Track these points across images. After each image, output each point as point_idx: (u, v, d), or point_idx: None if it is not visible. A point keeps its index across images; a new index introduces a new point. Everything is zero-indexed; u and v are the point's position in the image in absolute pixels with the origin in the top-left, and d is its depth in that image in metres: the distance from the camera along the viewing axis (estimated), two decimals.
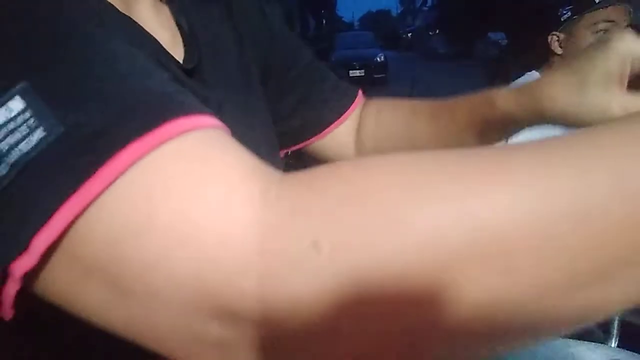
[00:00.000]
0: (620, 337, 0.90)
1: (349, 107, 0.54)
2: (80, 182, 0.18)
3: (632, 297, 0.17)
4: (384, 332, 0.18)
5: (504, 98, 0.41)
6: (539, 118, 0.40)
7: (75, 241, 0.19)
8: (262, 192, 0.20)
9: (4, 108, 0.19)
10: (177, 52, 0.37)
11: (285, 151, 0.55)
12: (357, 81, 9.92)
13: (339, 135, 0.54)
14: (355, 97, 0.55)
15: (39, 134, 0.19)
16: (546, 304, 0.17)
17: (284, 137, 0.52)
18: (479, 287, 0.17)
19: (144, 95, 0.21)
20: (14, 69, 0.20)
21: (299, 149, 0.56)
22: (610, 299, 0.17)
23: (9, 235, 0.18)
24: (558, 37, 1.20)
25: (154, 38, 0.33)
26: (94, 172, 0.18)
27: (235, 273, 0.18)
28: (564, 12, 1.17)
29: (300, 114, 0.52)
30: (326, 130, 0.53)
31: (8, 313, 0.20)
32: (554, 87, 0.38)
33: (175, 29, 0.39)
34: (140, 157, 0.19)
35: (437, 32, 25.67)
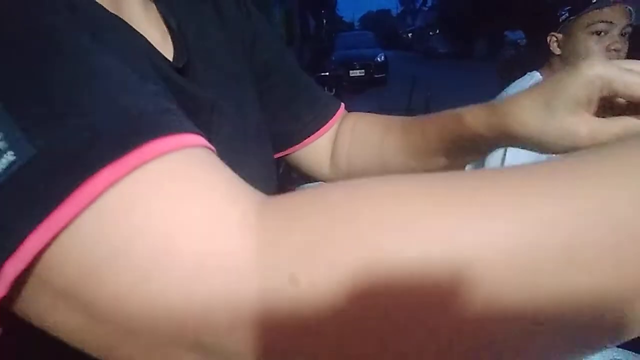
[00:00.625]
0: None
1: (331, 119, 0.54)
2: (52, 208, 0.17)
3: (623, 333, 0.17)
4: None
5: (474, 117, 0.41)
6: (508, 140, 0.39)
7: (48, 268, 0.18)
8: (240, 220, 0.19)
9: None
10: (167, 51, 0.37)
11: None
12: (357, 81, 9.95)
13: (317, 146, 0.54)
14: (337, 109, 0.55)
15: (8, 157, 0.18)
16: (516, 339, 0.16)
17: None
18: (467, 324, 0.16)
19: (122, 115, 0.20)
20: None
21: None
22: (602, 333, 0.17)
23: None
24: (557, 37, 1.20)
25: (144, 37, 0.33)
26: (67, 197, 0.17)
27: (210, 307, 0.17)
28: (562, 12, 1.17)
29: (280, 122, 0.52)
30: (304, 141, 0.53)
31: None
32: (522, 111, 0.38)
33: (164, 27, 0.39)
34: (115, 181, 0.18)
35: (437, 32, 25.67)
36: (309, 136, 0.53)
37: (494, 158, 1.26)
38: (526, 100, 0.38)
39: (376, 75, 10.49)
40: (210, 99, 0.38)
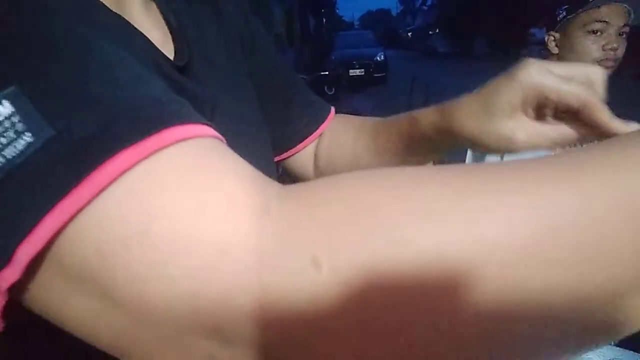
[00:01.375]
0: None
1: (321, 124, 0.54)
2: (68, 189, 0.17)
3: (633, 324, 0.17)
4: (384, 353, 0.17)
5: (425, 118, 0.42)
6: (452, 141, 0.40)
7: (64, 250, 0.18)
8: (260, 205, 0.19)
9: None
10: (168, 50, 0.37)
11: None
12: (357, 80, 9.95)
13: (306, 151, 0.55)
14: (329, 114, 0.56)
15: (26, 138, 0.18)
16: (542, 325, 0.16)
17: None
18: (482, 303, 0.16)
19: (139, 102, 0.20)
20: (4, 71, 0.19)
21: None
22: (615, 322, 0.17)
23: None
24: (554, 37, 1.20)
25: (146, 37, 0.33)
26: (84, 179, 0.17)
27: (231, 291, 0.17)
28: (560, 11, 1.17)
29: (275, 126, 0.52)
30: (299, 145, 0.54)
31: None
32: (463, 113, 0.38)
33: (165, 27, 0.39)
34: (133, 165, 0.18)
35: (437, 31, 25.66)
36: (302, 141, 0.54)
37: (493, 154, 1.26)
38: (468, 103, 0.38)
39: (376, 75, 10.48)
40: (211, 99, 0.39)
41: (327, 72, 7.13)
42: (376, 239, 0.17)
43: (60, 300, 0.19)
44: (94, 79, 0.20)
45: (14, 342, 0.25)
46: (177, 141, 0.19)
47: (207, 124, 0.22)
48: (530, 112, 0.36)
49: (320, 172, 0.54)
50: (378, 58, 10.80)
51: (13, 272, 0.17)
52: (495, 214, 0.17)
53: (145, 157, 0.18)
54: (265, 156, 0.47)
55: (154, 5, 0.39)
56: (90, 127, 0.18)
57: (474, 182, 0.18)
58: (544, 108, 0.36)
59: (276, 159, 0.54)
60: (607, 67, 1.21)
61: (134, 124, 0.19)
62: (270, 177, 0.49)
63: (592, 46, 1.12)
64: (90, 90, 0.19)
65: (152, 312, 0.18)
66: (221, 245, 0.18)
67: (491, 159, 1.28)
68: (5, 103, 0.18)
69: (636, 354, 0.73)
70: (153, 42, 0.34)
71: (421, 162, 0.46)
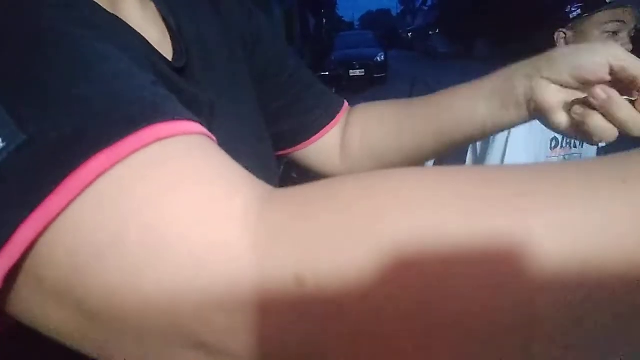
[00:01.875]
0: None
1: (336, 116, 0.54)
2: (41, 198, 0.16)
3: None
4: None
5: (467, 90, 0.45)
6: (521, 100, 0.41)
7: (38, 263, 0.17)
8: (244, 209, 0.18)
9: None
10: (166, 50, 0.36)
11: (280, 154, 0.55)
12: (357, 81, 9.94)
13: (324, 144, 0.54)
14: (342, 106, 0.55)
15: None
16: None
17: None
18: (511, 303, 0.15)
19: (116, 100, 0.19)
20: None
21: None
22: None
23: None
24: (565, 34, 1.20)
25: (142, 37, 0.33)
26: (56, 187, 0.16)
27: (208, 300, 0.16)
28: (573, 9, 1.16)
29: (286, 121, 0.52)
30: (313, 138, 0.53)
31: None
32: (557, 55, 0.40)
33: (163, 26, 0.38)
34: (108, 168, 0.17)
35: (437, 31, 25.65)
36: (318, 132, 0.53)
37: (494, 156, 1.26)
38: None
39: (376, 75, 10.47)
40: (209, 100, 0.38)
41: (327, 73, 7.13)
42: (369, 260, 0.16)
43: (40, 312, 0.18)
44: (70, 79, 0.19)
45: (10, 343, 0.25)
46: (156, 140, 0.18)
47: (193, 120, 0.21)
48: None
49: (356, 162, 0.53)
50: (378, 58, 10.79)
51: None
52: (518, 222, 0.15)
53: (119, 161, 0.17)
54: (263, 156, 0.47)
55: (152, 5, 0.38)
56: (64, 130, 0.17)
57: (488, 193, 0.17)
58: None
59: (288, 151, 0.54)
60: None
61: (109, 125, 0.18)
62: (270, 177, 0.48)
63: None
64: (66, 90, 0.19)
65: (130, 323, 0.17)
66: (197, 252, 0.17)
67: (491, 161, 1.28)
68: None
69: (636, 354, 0.73)
70: (150, 42, 0.34)
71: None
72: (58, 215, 0.17)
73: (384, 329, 0.16)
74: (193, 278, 0.17)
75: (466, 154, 1.54)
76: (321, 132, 0.53)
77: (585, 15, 1.14)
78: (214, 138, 0.22)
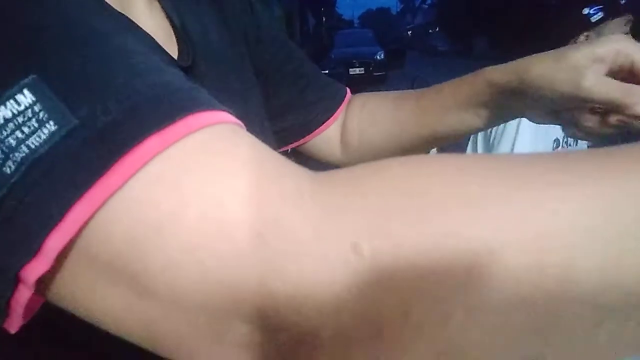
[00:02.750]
0: None
1: (340, 105, 0.55)
2: (96, 177, 0.17)
3: None
4: (423, 345, 0.16)
5: (490, 70, 0.44)
6: (519, 82, 0.41)
7: (93, 240, 0.17)
8: (294, 189, 0.19)
9: (12, 101, 0.17)
10: (172, 49, 0.37)
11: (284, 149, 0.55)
12: (357, 79, 9.93)
13: (327, 135, 0.55)
14: (345, 95, 0.56)
15: (49, 127, 0.17)
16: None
17: (274, 136, 0.52)
18: (528, 289, 0.15)
19: (161, 88, 0.20)
20: (23, 61, 0.18)
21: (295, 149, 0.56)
22: None
23: (20, 238, 0.17)
24: (588, 37, 1.20)
25: (151, 37, 0.33)
26: (111, 166, 0.17)
27: (268, 275, 0.17)
28: (593, 12, 1.16)
29: (291, 114, 0.52)
30: (320, 128, 0.54)
31: (15, 325, 0.19)
32: (538, 59, 0.41)
33: (168, 26, 0.38)
34: (161, 150, 0.18)
35: (437, 29, 25.62)
36: (322, 124, 0.54)
37: (503, 147, 1.26)
38: (545, 55, 0.41)
39: (376, 74, 10.46)
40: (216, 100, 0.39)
41: (326, 71, 7.12)
42: (425, 233, 0.16)
43: (89, 291, 0.19)
44: (114, 67, 0.20)
45: (19, 346, 0.25)
46: (203, 127, 0.19)
47: (228, 111, 0.22)
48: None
49: (353, 150, 0.54)
50: (378, 57, 10.78)
51: (42, 264, 0.17)
52: (555, 208, 0.16)
53: (173, 143, 0.18)
54: None
55: (157, 5, 0.38)
56: (114, 115, 0.18)
57: (529, 172, 0.17)
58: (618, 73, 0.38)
59: (295, 145, 0.55)
60: None
61: (158, 110, 0.19)
62: None
63: None
64: (111, 78, 0.19)
65: (185, 299, 0.17)
66: (255, 231, 0.17)
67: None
68: (27, 92, 0.18)
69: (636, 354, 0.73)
70: (157, 41, 0.34)
71: (467, 124, 0.48)
72: (112, 194, 0.17)
73: (438, 308, 0.16)
74: (254, 251, 0.17)
75: (465, 148, 1.54)
76: (325, 124, 0.54)
77: (609, 19, 1.14)
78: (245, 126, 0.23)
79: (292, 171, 0.20)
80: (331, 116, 0.54)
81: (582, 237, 0.15)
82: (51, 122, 0.17)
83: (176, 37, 0.38)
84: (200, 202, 0.18)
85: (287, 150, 0.56)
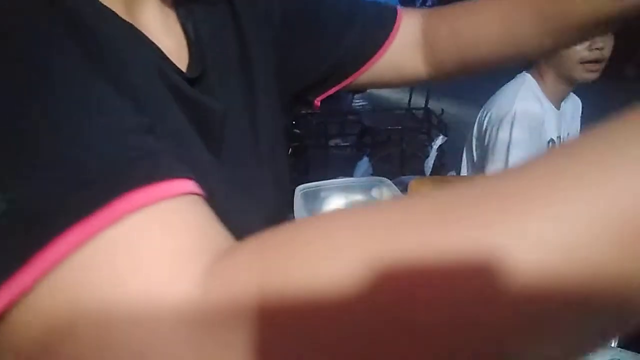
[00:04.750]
0: (620, 337, 0.89)
1: (394, 25, 0.51)
2: (10, 272, 0.17)
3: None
4: None
5: None
6: None
7: (8, 335, 0.17)
8: (202, 275, 0.18)
9: None
10: (182, 59, 0.36)
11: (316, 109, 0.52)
12: None
13: (395, 54, 0.51)
14: (396, 14, 0.51)
15: None
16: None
17: (337, 72, 0.50)
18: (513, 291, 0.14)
19: (96, 165, 0.19)
20: None
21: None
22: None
23: None
24: None
25: (155, 46, 0.32)
26: (25, 262, 0.17)
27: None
28: None
29: (345, 44, 0.50)
30: (379, 51, 0.50)
31: None
32: None
33: (182, 35, 0.38)
34: (79, 244, 0.17)
35: None
36: (382, 45, 0.50)
37: (495, 164, 1.26)
38: None
39: None
40: (222, 111, 0.38)
41: None
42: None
43: None
44: (46, 142, 0.19)
45: None
46: (130, 212, 0.18)
47: (179, 177, 0.21)
48: None
49: (441, 53, 0.50)
50: None
51: None
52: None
53: (91, 236, 0.17)
54: (276, 166, 0.46)
55: (172, 12, 0.38)
56: (38, 200, 0.17)
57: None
58: None
59: (356, 75, 0.52)
60: (592, 71, 1.21)
61: (81, 196, 0.18)
62: (283, 185, 0.48)
63: (577, 46, 1.12)
64: (47, 153, 0.18)
65: None
66: (154, 327, 0.17)
67: (492, 168, 1.28)
68: None
69: (637, 355, 0.73)
70: (165, 50, 0.33)
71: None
72: (26, 291, 0.17)
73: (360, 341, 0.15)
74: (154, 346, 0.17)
75: (461, 157, 1.54)
76: (384, 46, 0.50)
77: None
78: (199, 192, 0.22)
79: (209, 253, 0.19)
80: (389, 35, 0.50)
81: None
82: None
83: (189, 47, 0.38)
84: (95, 315, 0.17)
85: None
